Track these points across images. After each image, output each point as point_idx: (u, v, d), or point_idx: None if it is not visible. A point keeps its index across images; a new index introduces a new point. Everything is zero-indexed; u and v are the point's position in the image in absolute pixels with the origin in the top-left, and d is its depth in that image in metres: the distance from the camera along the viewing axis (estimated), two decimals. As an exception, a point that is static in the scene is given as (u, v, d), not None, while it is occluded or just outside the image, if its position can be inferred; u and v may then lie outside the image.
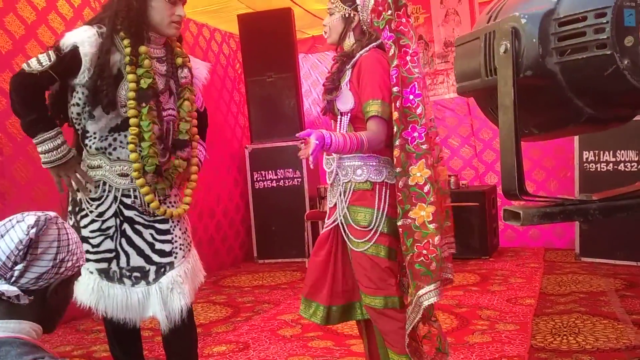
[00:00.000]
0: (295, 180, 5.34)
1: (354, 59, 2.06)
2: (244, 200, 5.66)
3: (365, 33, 2.09)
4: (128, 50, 1.95)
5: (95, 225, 2.03)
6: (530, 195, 1.23)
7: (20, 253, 1.17)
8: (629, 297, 3.55)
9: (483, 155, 5.66)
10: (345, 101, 2.04)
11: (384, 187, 2.06)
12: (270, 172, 5.41)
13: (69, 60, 1.91)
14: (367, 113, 1.98)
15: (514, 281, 4.16)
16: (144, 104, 1.95)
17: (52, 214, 1.25)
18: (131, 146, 1.96)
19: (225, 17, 5.36)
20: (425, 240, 1.96)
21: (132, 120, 1.95)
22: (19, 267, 1.17)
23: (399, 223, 2.00)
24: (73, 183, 2.02)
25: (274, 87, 5.37)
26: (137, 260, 2.03)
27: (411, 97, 2.01)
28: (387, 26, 2.03)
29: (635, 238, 4.16)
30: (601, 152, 4.38)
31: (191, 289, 2.07)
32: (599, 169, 4.40)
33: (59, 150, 1.96)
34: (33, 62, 1.92)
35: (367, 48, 2.05)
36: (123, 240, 2.04)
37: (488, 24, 1.26)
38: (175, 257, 2.06)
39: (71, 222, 2.06)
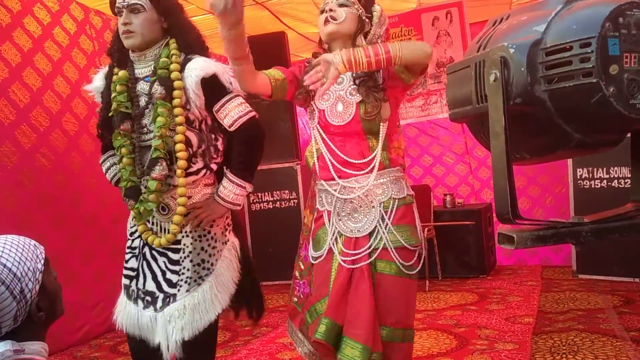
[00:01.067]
0: (292, 201, 5.36)
1: None
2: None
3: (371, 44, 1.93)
4: (114, 77, 2.01)
5: (128, 243, 2.13)
6: (523, 218, 1.25)
7: None
8: (627, 313, 3.55)
9: (478, 173, 5.69)
10: (386, 107, 1.90)
11: (414, 201, 1.99)
12: (266, 193, 5.42)
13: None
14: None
15: (512, 299, 4.16)
16: (116, 130, 2.01)
17: None
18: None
19: (220, 42, 5.41)
20: None
21: (114, 143, 2.04)
22: None
23: None
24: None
25: (269, 110, 5.37)
26: (150, 285, 2.02)
27: None
28: None
29: (632, 254, 4.18)
30: (595, 169, 4.42)
31: (190, 324, 1.96)
32: (593, 186, 4.44)
33: (107, 173, 2.21)
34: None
35: None
36: (144, 263, 2.05)
37: (478, 52, 1.29)
38: (179, 290, 1.99)
39: None
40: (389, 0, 5.15)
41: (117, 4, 1.94)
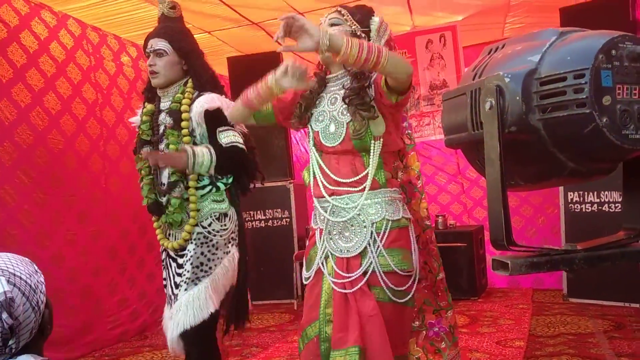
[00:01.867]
0: (284, 220, 5.35)
1: (371, 79, 1.86)
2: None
3: None
4: (143, 110, 2.40)
5: (161, 257, 2.45)
6: (517, 245, 1.26)
7: (6, 334, 1.12)
8: (617, 338, 3.55)
9: (471, 192, 5.73)
10: (378, 124, 1.82)
11: (411, 225, 1.92)
12: (259, 212, 5.41)
13: None
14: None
15: (503, 322, 4.16)
16: (137, 155, 2.39)
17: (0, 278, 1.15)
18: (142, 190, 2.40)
19: (215, 60, 5.45)
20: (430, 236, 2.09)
21: (137, 166, 2.40)
22: (12, 342, 1.14)
23: (439, 277, 2.07)
24: None
25: (263, 128, 5.35)
26: (169, 289, 2.36)
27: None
28: None
29: (623, 278, 4.19)
30: (585, 193, 4.46)
31: (185, 319, 2.21)
32: (584, 210, 4.47)
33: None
34: None
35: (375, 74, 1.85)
36: (167, 271, 2.39)
37: (474, 80, 1.31)
38: (179, 290, 2.29)
39: None
40: (383, 23, 5.21)
41: (146, 50, 2.33)
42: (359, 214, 1.83)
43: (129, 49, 4.75)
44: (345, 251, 1.85)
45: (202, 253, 2.28)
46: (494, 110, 1.19)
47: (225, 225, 2.33)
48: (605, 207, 4.35)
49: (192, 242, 2.29)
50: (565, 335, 3.71)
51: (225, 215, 2.34)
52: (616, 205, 4.28)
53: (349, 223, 1.85)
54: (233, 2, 4.38)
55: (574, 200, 4.53)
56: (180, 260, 2.32)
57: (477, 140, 1.28)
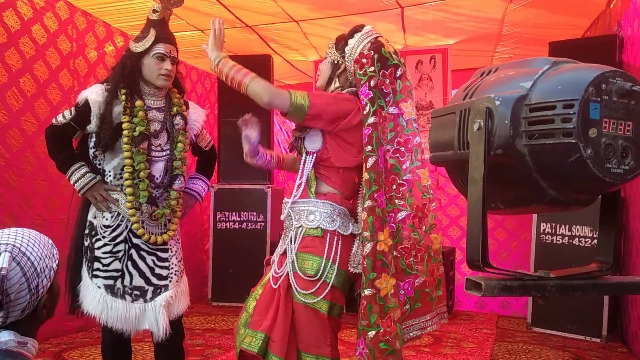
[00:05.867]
0: (258, 224, 5.32)
1: None
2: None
3: (348, 81, 2.14)
4: (124, 103, 2.36)
5: (107, 248, 2.40)
6: (492, 267, 1.27)
7: None
8: (576, 370, 3.60)
9: (447, 210, 5.76)
10: (313, 141, 2.06)
11: (335, 236, 2.02)
12: (233, 213, 5.37)
13: (83, 111, 2.38)
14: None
15: (466, 346, 4.18)
16: (136, 148, 2.35)
17: (5, 254, 1.17)
18: (127, 182, 2.36)
19: (205, 58, 5.42)
20: (387, 316, 1.93)
21: (126, 161, 2.36)
22: (0, 314, 1.14)
23: (364, 293, 1.93)
24: (97, 201, 2.40)
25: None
26: (138, 281, 2.41)
27: (389, 158, 2.01)
28: (367, 82, 2.00)
29: (586, 312, 4.26)
30: (558, 225, 4.53)
31: (180, 306, 2.47)
32: (554, 242, 4.53)
33: (83, 178, 2.39)
34: (60, 117, 2.44)
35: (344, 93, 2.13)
36: (129, 263, 2.41)
37: (464, 100, 1.32)
38: (170, 281, 2.46)
39: (86, 244, 2.43)
40: (376, 39, 5.25)
41: (163, 51, 2.40)
42: (290, 218, 2.10)
43: (116, 38, 4.62)
44: (279, 249, 2.15)
45: (180, 248, 2.57)
46: (482, 132, 1.21)
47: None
48: (576, 241, 4.42)
49: (172, 239, 2.50)
50: (526, 363, 3.75)
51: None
52: (586, 240, 4.35)
53: (287, 225, 2.14)
54: (229, 2, 4.37)
55: (546, 231, 4.59)
56: (162, 254, 2.47)
57: (462, 159, 1.29)
